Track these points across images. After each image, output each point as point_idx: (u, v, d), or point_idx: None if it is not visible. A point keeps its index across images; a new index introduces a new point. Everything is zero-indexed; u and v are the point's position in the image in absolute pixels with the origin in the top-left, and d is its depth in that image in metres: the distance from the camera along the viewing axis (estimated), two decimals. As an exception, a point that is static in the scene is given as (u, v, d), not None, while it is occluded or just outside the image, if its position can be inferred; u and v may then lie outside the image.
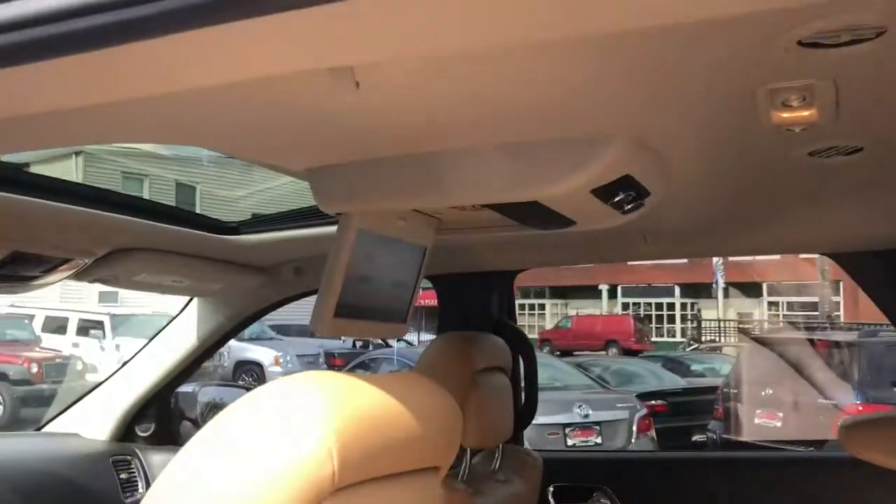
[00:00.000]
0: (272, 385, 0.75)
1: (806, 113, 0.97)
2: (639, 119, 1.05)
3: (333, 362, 15.81)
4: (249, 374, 14.88)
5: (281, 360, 15.23)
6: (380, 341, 13.41)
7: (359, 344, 16.39)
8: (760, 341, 8.93)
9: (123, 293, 15.78)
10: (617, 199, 1.17)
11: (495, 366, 1.85)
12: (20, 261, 1.66)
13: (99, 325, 14.65)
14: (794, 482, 2.23)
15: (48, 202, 1.55)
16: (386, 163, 1.19)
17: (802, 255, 17.02)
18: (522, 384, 2.28)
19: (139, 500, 2.25)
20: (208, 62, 0.70)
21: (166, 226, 1.84)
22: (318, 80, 0.80)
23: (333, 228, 1.95)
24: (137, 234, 1.82)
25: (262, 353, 15.15)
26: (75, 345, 14.11)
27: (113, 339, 14.21)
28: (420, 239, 1.49)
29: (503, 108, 0.99)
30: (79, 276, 1.87)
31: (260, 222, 2.10)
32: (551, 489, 2.25)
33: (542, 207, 1.20)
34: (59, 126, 0.96)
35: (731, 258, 23.49)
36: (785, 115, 0.98)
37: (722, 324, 25.98)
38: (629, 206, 1.21)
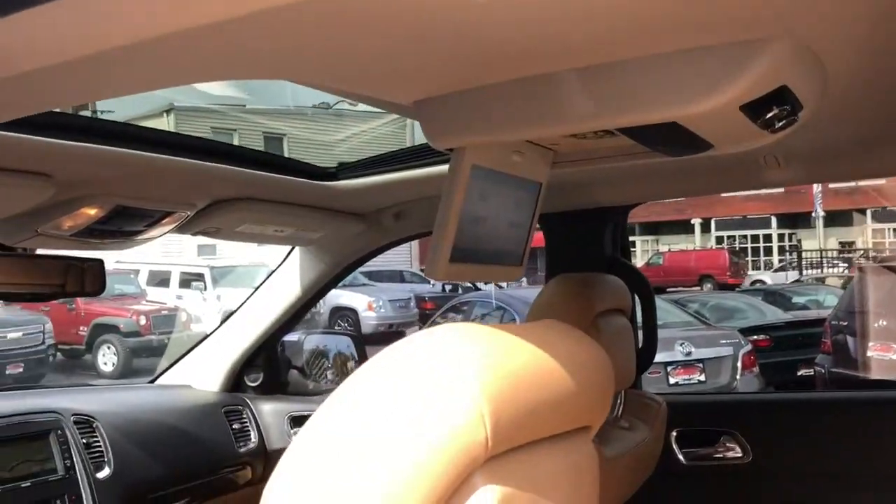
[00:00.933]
0: (414, 341, 0.66)
1: None
2: (799, 17, 0.90)
3: (424, 306, 15.99)
4: (345, 320, 15.21)
5: (374, 306, 15.49)
6: (469, 284, 13.43)
7: (448, 287, 16.51)
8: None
9: (221, 246, 16.28)
10: (769, 115, 1.02)
11: (615, 307, 1.74)
12: (124, 215, 1.65)
13: (200, 277, 15.16)
14: None
15: (148, 154, 1.52)
16: (502, 88, 1.07)
17: (912, 178, 16.03)
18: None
19: (252, 450, 2.26)
20: None
21: (266, 174, 1.79)
22: None
23: (431, 170, 1.89)
24: (238, 184, 1.77)
25: (355, 300, 15.43)
26: (179, 297, 14.67)
27: (214, 290, 14.70)
28: (535, 174, 1.38)
29: (646, 15, 0.85)
30: (181, 228, 1.84)
31: (358, 166, 2.03)
32: (674, 434, 2.14)
33: (679, 129, 1.06)
34: (130, 67, 0.87)
35: (831, 185, 22.45)
36: None
37: (823, 254, 25.00)
38: (781, 124, 1.06)
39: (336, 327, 14.17)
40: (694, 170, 1.75)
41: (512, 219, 1.38)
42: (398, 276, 18.62)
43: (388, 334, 14.74)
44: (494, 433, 0.62)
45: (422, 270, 18.75)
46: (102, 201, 1.58)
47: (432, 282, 17.19)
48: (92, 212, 1.58)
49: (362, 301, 15.51)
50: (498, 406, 0.62)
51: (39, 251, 1.72)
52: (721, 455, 2.15)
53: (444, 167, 1.26)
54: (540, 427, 0.70)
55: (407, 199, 2.10)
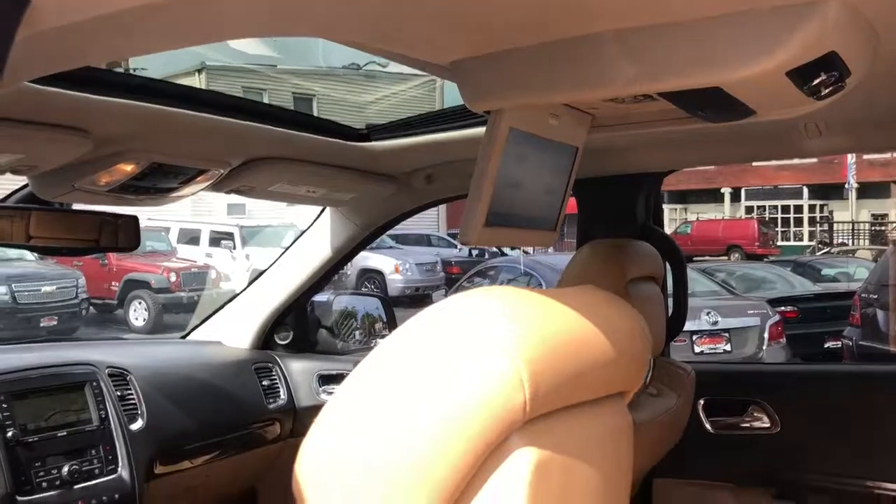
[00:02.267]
0: (451, 303, 0.66)
1: None
2: None
3: (450, 270, 16.03)
4: (372, 282, 15.29)
5: (401, 269, 15.55)
6: (495, 249, 13.39)
7: (475, 252, 16.50)
8: None
9: (250, 206, 16.37)
10: (816, 81, 1.00)
11: (647, 274, 1.73)
12: (159, 172, 1.66)
13: (229, 236, 15.27)
14: None
15: (185, 111, 1.52)
16: (542, 50, 1.06)
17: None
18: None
19: (281, 406, 2.29)
20: None
21: (300, 133, 1.79)
22: None
23: (465, 133, 1.87)
24: (272, 143, 1.77)
25: (382, 262, 15.49)
26: (208, 255, 14.80)
27: (243, 250, 14.82)
28: (572, 138, 1.36)
29: None
30: (215, 186, 1.85)
31: (390, 128, 2.02)
32: (702, 402, 2.14)
33: (722, 95, 1.04)
34: (171, 21, 0.86)
35: (865, 156, 22.01)
36: None
37: (855, 226, 24.63)
38: (827, 91, 1.03)
39: (363, 289, 14.25)
40: (732, 136, 1.72)
41: (547, 183, 1.37)
42: (425, 240, 18.66)
43: (415, 297, 14.81)
44: (533, 397, 0.62)
45: (449, 235, 18.75)
46: (138, 158, 1.58)
47: (459, 246, 17.18)
48: (128, 168, 1.59)
49: (389, 264, 15.57)
50: (536, 370, 0.62)
51: (75, 206, 1.74)
52: (748, 424, 2.15)
53: (478, 130, 1.25)
54: (577, 392, 0.70)
55: (439, 162, 2.09)
